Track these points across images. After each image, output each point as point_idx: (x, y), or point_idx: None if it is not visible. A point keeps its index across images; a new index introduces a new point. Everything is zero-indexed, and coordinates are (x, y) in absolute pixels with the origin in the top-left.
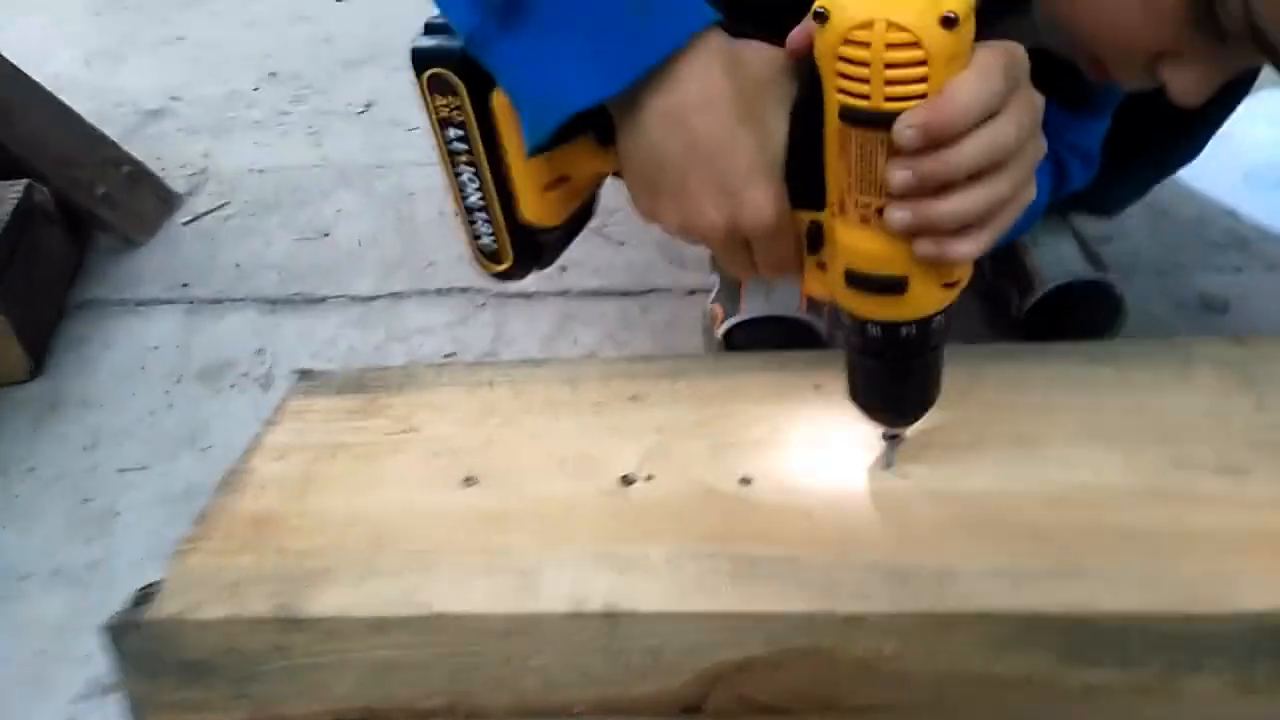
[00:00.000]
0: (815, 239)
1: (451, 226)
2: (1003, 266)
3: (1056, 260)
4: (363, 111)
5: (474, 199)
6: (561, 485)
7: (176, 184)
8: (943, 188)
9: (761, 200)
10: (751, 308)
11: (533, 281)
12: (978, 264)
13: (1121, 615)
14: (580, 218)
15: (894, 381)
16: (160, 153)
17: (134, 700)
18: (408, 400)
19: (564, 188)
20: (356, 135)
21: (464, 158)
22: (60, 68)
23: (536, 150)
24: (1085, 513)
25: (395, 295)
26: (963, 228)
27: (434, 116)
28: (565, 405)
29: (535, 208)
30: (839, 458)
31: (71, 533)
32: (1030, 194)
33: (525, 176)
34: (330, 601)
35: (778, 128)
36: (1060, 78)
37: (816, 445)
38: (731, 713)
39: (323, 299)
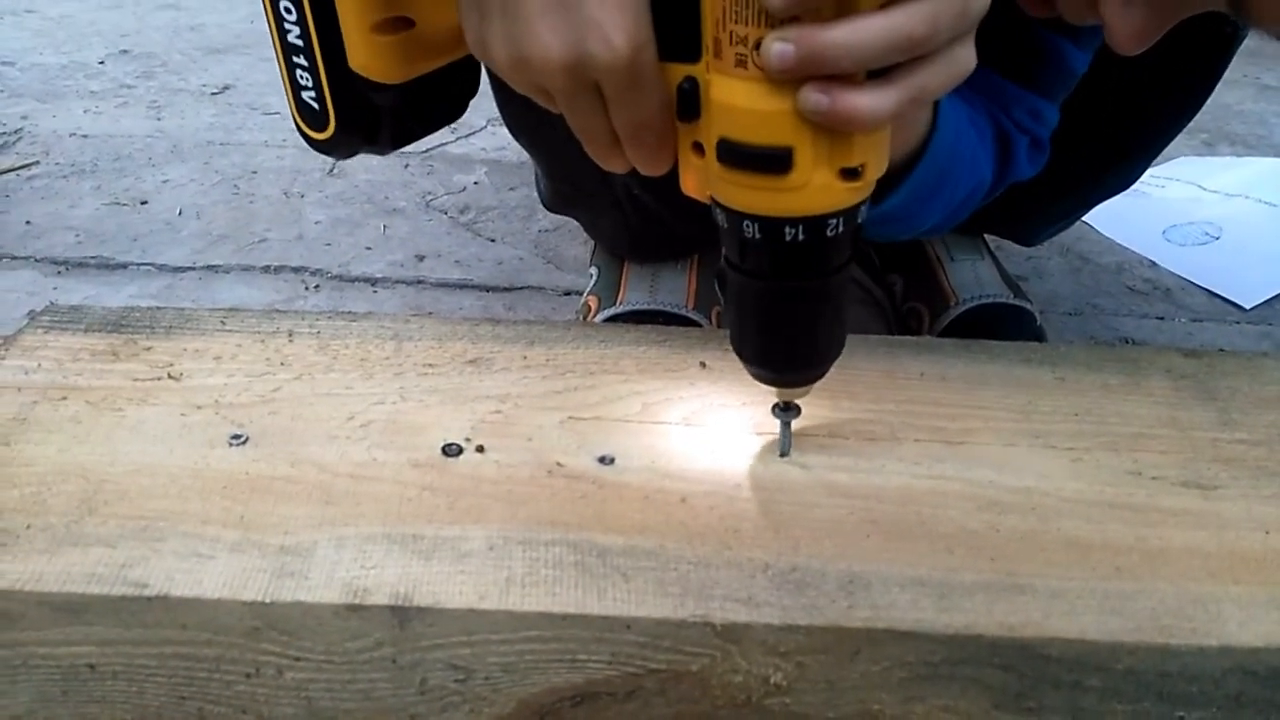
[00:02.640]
0: (689, 103)
1: (297, 207)
2: (915, 285)
3: (973, 280)
4: (218, 93)
5: (294, 35)
6: (358, 451)
7: None
8: (836, 9)
9: (612, 22)
10: (632, 300)
11: (382, 267)
12: (889, 282)
13: (1081, 642)
14: (433, 92)
15: (778, 312)
16: None
17: None
18: (175, 345)
19: (406, 36)
20: (205, 114)
21: None
22: None
23: None
24: (1027, 520)
25: (211, 268)
26: (864, 74)
27: None
28: (383, 364)
29: (363, 52)
30: (725, 441)
31: None
32: (963, 61)
33: (351, 6)
34: (6, 572)
35: None
36: (1008, 45)
37: (697, 426)
38: None
39: (122, 265)
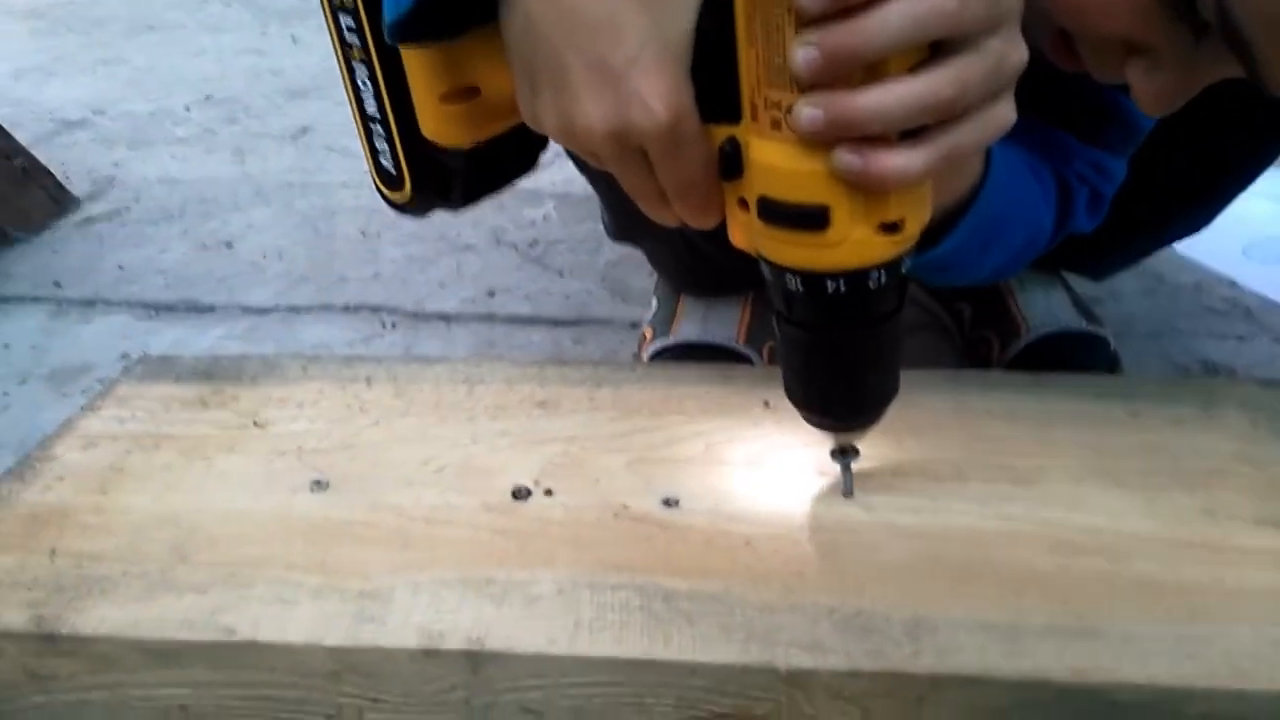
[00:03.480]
0: (732, 163)
1: (373, 246)
2: (984, 313)
3: (1045, 309)
4: (298, 136)
5: (371, 106)
6: (433, 495)
7: (79, 188)
8: (865, 73)
9: (652, 91)
10: (684, 331)
11: (455, 304)
12: (957, 309)
13: (1153, 688)
14: (500, 152)
15: (825, 361)
16: (68, 159)
17: None
18: (261, 393)
19: (472, 104)
20: (286, 157)
21: (357, 52)
22: None
23: (402, 33)
24: (1098, 561)
25: (294, 309)
26: (895, 135)
27: (326, 1)
28: (456, 408)
29: (433, 120)
30: (789, 482)
31: None
32: (1003, 115)
33: (421, 79)
34: (106, 618)
35: (684, 7)
36: (1070, 100)
37: (761, 467)
38: None
39: (210, 308)
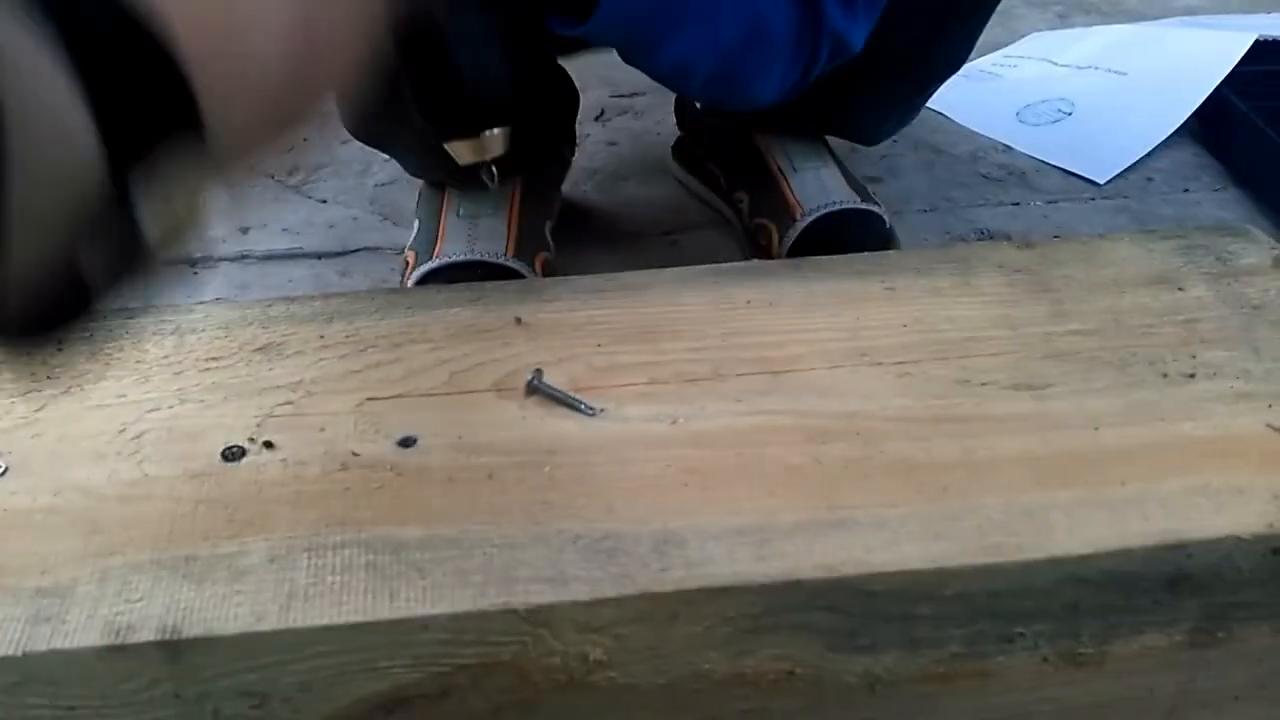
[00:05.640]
0: None
1: None
2: (761, 200)
3: (819, 189)
4: None
5: None
6: (129, 469)
7: None
8: None
9: None
10: (449, 251)
11: (201, 245)
12: (736, 200)
13: (903, 574)
14: None
15: None
16: None
17: None
18: None
19: None
20: None
21: None
22: None
23: None
24: (851, 448)
25: None
26: None
27: None
28: (162, 364)
29: None
30: (538, 404)
31: None
32: None
33: None
34: None
35: None
36: None
37: (510, 391)
38: None
39: None
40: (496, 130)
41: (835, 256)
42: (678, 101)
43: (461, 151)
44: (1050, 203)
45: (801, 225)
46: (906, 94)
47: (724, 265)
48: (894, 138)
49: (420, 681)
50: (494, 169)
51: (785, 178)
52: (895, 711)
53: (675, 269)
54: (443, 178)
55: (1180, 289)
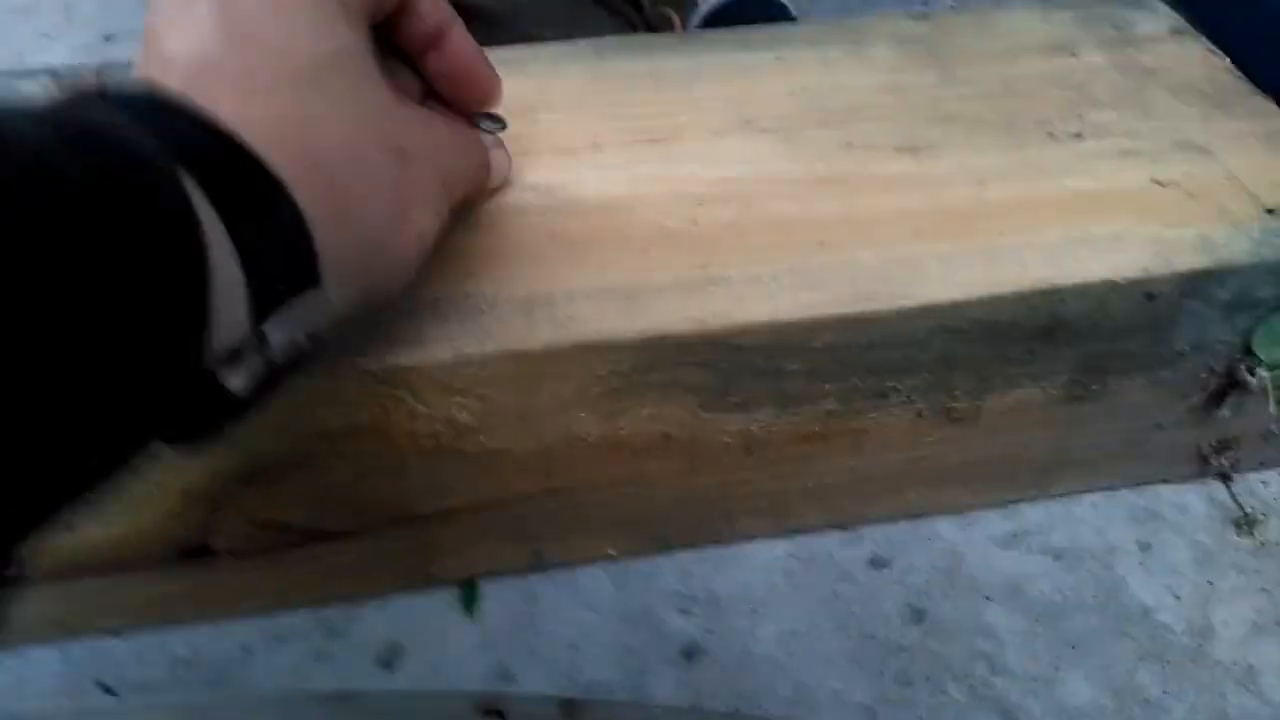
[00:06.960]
0: None
1: None
2: None
3: None
4: None
5: None
6: None
7: None
8: None
9: None
10: None
11: (64, 53)
12: None
13: (773, 325)
14: None
15: None
16: None
17: None
18: None
19: None
20: None
21: None
22: None
23: None
24: (729, 210)
25: None
26: None
27: None
28: None
29: None
30: None
31: None
32: None
33: None
34: None
35: None
36: None
37: None
38: (256, 546)
39: None
40: None
41: (724, 29)
42: None
43: None
44: None
45: (703, 11)
46: None
47: (607, 38)
48: None
49: (278, 451)
50: None
51: None
52: (772, 473)
53: (556, 43)
54: None
55: (1073, 55)
